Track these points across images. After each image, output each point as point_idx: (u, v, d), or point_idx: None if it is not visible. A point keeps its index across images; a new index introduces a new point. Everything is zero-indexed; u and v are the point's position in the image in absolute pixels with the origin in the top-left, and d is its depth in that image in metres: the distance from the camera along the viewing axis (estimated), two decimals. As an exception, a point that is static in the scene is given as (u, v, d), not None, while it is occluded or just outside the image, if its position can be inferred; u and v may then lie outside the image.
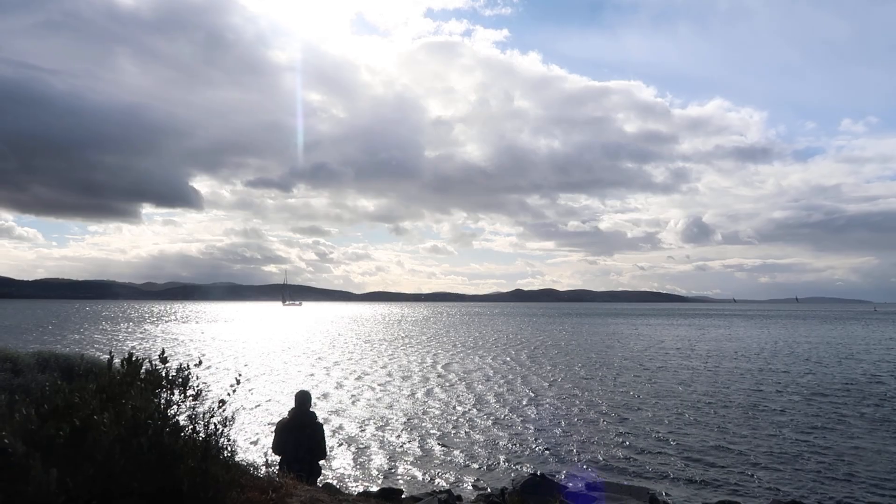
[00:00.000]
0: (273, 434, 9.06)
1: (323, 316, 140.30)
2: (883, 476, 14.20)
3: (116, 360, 5.14)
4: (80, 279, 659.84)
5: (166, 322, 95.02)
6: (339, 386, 28.12)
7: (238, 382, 6.22)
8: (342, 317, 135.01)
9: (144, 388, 4.81)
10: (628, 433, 18.52)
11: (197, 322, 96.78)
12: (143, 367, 5.04)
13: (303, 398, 9.11)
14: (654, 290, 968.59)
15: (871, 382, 29.17)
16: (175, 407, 5.01)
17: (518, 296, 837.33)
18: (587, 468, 14.92)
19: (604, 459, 15.71)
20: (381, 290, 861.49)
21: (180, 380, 5.08)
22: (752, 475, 14.30)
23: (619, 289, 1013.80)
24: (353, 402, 23.77)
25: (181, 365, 5.32)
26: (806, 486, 13.51)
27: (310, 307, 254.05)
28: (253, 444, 16.47)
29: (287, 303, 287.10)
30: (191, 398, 5.14)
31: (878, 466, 14.95)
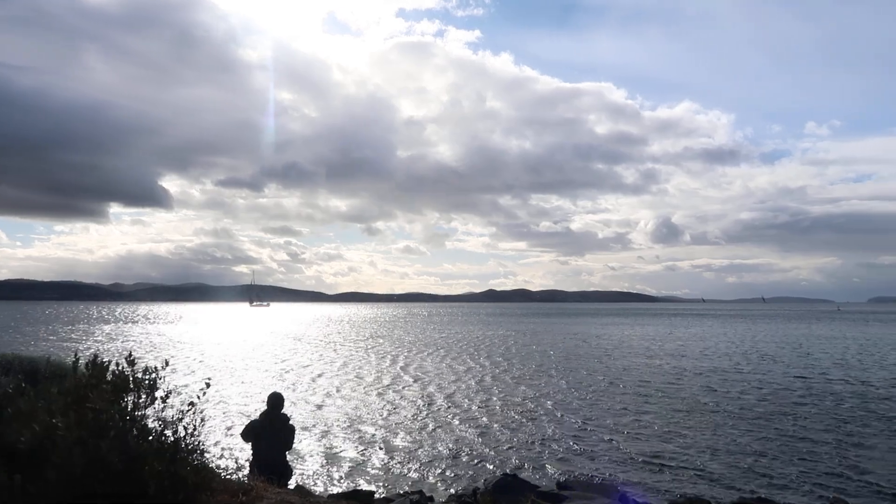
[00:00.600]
0: (243, 437, 8.99)
1: (291, 317, 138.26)
2: (844, 470, 14.59)
3: (82, 363, 5.06)
4: (46, 280, 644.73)
5: (134, 324, 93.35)
6: (309, 387, 27.92)
7: (208, 386, 6.16)
8: (311, 317, 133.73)
9: (110, 390, 4.75)
10: (597, 432, 18.72)
11: (162, 324, 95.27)
12: (110, 370, 4.97)
13: (275, 400, 9.06)
14: (625, 290, 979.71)
15: (829, 381, 29.91)
16: (142, 410, 4.95)
17: (491, 296, 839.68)
18: (558, 467, 15.06)
19: (574, 458, 15.86)
20: (353, 290, 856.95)
21: (147, 382, 5.02)
22: (719, 472, 14.56)
23: (591, 289, 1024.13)
24: (322, 404, 23.62)
25: (147, 367, 5.26)
26: (771, 483, 13.80)
27: (279, 308, 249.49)
28: (223, 447, 16.27)
29: (254, 304, 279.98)
30: (158, 401, 5.09)
31: (838, 461, 15.35)
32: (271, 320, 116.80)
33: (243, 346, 52.30)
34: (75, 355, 5.21)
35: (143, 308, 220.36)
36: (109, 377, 4.90)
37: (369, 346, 52.16)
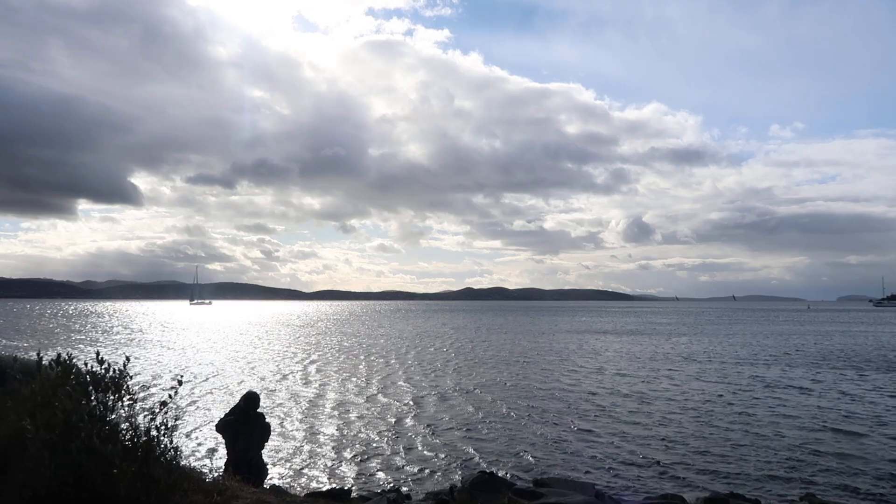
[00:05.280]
0: (218, 435, 8.89)
1: (233, 316, 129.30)
2: (814, 466, 14.85)
3: (46, 361, 4.94)
4: (14, 277, 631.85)
5: (98, 319, 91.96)
6: (281, 386, 27.72)
7: (180, 384, 6.07)
8: (266, 315, 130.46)
9: (77, 390, 4.64)
10: (573, 429, 18.84)
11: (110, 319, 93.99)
12: (74, 369, 4.86)
13: (251, 399, 8.97)
14: (601, 289, 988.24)
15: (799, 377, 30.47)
16: (111, 410, 4.85)
17: (468, 294, 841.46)
18: (535, 465, 15.12)
19: (551, 456, 15.94)
20: (329, 288, 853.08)
21: (115, 381, 4.92)
22: (692, 468, 14.73)
23: (567, 287, 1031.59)
24: (296, 403, 23.44)
25: (112, 366, 5.15)
26: (743, 479, 14.00)
27: (221, 306, 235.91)
28: (197, 446, 16.08)
29: (194, 301, 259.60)
30: (127, 400, 4.99)
31: (808, 458, 15.62)
32: (214, 319, 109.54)
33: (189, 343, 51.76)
34: (38, 354, 5.09)
35: (119, 305, 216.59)
36: (74, 377, 4.79)
37: (346, 345, 51.93)
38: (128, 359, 5.91)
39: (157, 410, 5.18)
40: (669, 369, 33.94)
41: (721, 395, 24.86)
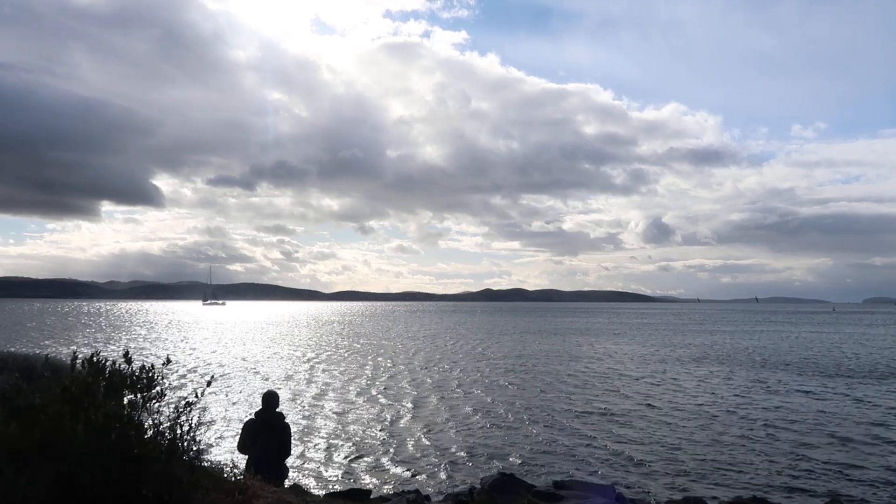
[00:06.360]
0: (238, 434, 8.96)
1: (246, 316, 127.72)
2: (837, 468, 14.62)
3: (80, 360, 5.03)
4: (40, 278, 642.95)
5: (130, 322, 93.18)
6: (305, 386, 27.89)
7: (209, 384, 6.12)
8: (281, 315, 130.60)
9: (109, 389, 4.72)
10: (590, 431, 18.73)
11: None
12: (107, 369, 4.94)
13: (271, 398, 9.02)
14: (621, 290, 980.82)
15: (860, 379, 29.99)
16: (139, 409, 4.92)
17: (488, 295, 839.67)
18: (555, 467, 15.06)
19: (571, 458, 15.87)
20: (348, 289, 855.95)
21: (144, 380, 5.00)
22: (714, 471, 14.58)
23: (587, 288, 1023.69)
24: (317, 403, 23.59)
25: (144, 365, 5.23)
26: (766, 483, 13.83)
27: (234, 307, 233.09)
28: (218, 445, 16.24)
29: (207, 302, 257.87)
30: (155, 399, 5.06)
31: (831, 460, 15.39)
32: (229, 320, 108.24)
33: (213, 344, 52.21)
34: (74, 353, 5.18)
35: (143, 305, 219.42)
36: (107, 375, 4.87)
37: (368, 345, 52.10)
38: (168, 360, 6.00)
39: (181, 409, 5.25)
40: (691, 372, 33.61)
41: (746, 399, 24.57)
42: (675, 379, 30.67)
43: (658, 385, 28.47)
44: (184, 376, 30.16)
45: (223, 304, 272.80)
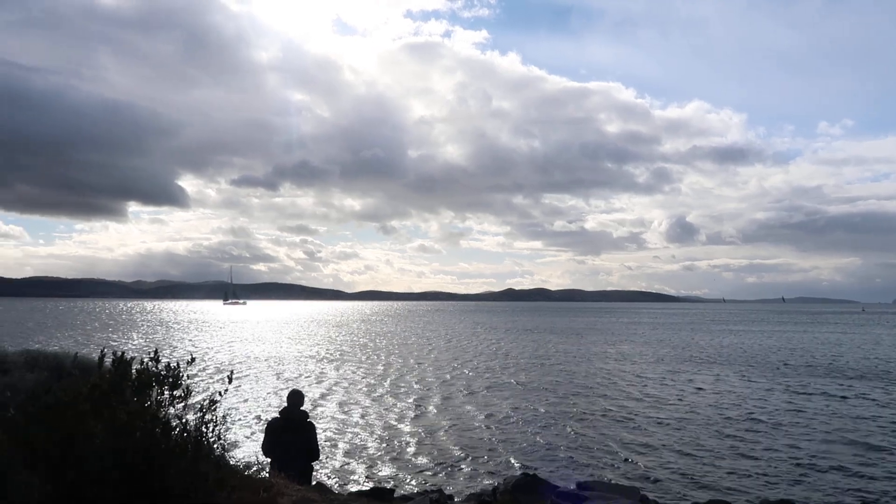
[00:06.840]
0: (263, 434, 9.00)
1: (266, 315, 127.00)
2: (870, 475, 14.33)
3: (108, 359, 5.09)
4: (69, 277, 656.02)
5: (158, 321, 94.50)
6: (327, 385, 28.04)
7: (230, 381, 6.16)
8: (302, 315, 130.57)
9: (136, 388, 4.77)
10: (619, 433, 18.57)
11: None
12: (134, 367, 4.99)
13: (295, 398, 9.05)
14: (644, 290, 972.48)
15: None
16: (166, 407, 4.97)
17: (510, 295, 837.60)
18: (578, 467, 14.95)
19: (594, 459, 15.75)
20: (371, 289, 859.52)
21: (170, 379, 5.04)
22: (739, 473, 14.36)
23: (610, 288, 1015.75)
24: (341, 402, 23.71)
25: (169, 363, 5.28)
26: (789, 485, 13.59)
27: (254, 306, 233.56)
28: (243, 443, 16.39)
29: (228, 301, 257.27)
30: (180, 397, 5.10)
31: (864, 465, 15.07)
32: (252, 319, 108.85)
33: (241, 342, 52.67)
34: (102, 352, 5.24)
35: (166, 305, 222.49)
36: (134, 374, 4.92)
37: (392, 345, 52.26)
38: (193, 358, 6.06)
39: (206, 407, 5.28)
40: (717, 375, 33.19)
41: (773, 404, 24.19)
42: (700, 381, 30.31)
43: (683, 387, 28.15)
44: (195, 374, 30.50)
45: (244, 303, 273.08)
